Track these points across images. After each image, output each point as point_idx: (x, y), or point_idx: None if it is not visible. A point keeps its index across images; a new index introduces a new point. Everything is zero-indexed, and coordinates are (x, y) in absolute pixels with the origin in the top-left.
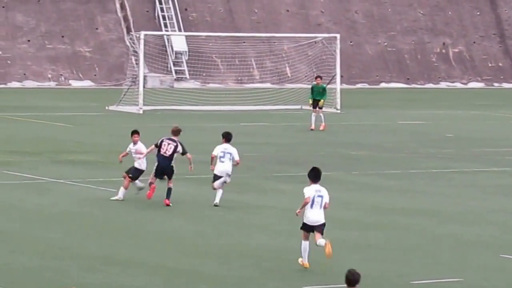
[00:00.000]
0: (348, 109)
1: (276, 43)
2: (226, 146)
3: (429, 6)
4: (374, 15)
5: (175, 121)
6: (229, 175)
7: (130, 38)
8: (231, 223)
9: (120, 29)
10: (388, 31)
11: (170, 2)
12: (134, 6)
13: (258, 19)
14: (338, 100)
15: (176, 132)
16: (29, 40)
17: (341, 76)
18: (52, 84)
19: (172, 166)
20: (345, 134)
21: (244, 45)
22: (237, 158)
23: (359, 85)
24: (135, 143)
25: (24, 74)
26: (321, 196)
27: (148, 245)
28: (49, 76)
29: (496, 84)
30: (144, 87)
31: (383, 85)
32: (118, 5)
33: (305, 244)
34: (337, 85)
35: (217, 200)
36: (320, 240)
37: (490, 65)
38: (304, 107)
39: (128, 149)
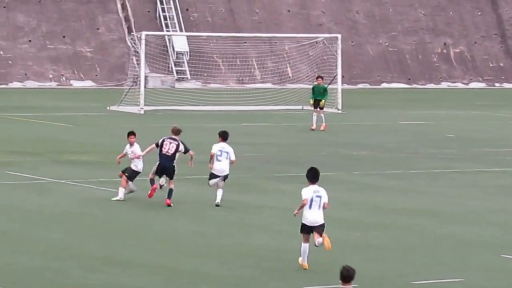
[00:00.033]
0: (349, 109)
1: (277, 43)
2: (223, 145)
3: (430, 6)
4: (375, 15)
5: (176, 122)
6: (224, 179)
7: (131, 38)
8: (232, 223)
9: (121, 29)
10: (389, 31)
11: (171, 2)
12: (135, 6)
13: (259, 19)
14: (339, 100)
15: (177, 131)
16: (30, 40)
17: (342, 76)
18: (53, 84)
19: (174, 166)
20: (346, 134)
21: (245, 45)
22: (233, 157)
23: (360, 85)
24: (131, 144)
25: (25, 74)
26: (320, 197)
27: (149, 245)
28: (50, 76)
29: (497, 84)
30: (145, 87)
31: (384, 85)
32: (119, 5)
33: (304, 247)
34: (338, 85)
35: (218, 200)
36: (319, 239)
37: (491, 65)
38: (305, 107)
39: (125, 151)
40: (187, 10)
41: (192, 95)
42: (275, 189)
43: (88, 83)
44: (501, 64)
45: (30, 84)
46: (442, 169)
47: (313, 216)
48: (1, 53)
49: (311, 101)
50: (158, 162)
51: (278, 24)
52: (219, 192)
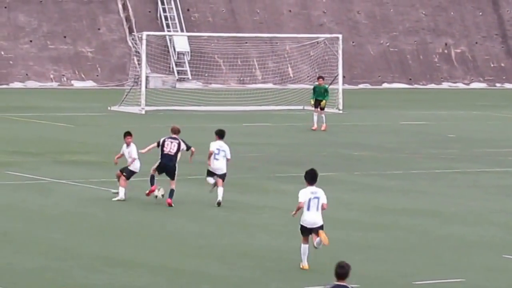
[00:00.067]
0: (350, 110)
1: (278, 44)
2: (221, 144)
3: (431, 7)
4: (376, 16)
5: (177, 122)
6: (223, 177)
7: (132, 39)
8: (233, 223)
9: (122, 30)
10: (390, 31)
11: (172, 2)
12: (136, 7)
13: (260, 20)
14: (340, 101)
15: (176, 131)
16: (31, 41)
17: (343, 77)
18: (54, 84)
19: (175, 166)
20: (347, 134)
21: (246, 45)
22: (229, 156)
23: (361, 86)
24: (128, 144)
25: (26, 74)
26: (318, 198)
27: (150, 245)
28: (51, 76)
29: (498, 85)
30: (146, 87)
31: (385, 85)
32: (120, 6)
33: (304, 248)
34: (339, 86)
35: (219, 198)
36: (317, 240)
37: (492, 65)
38: (306, 107)
39: (122, 151)
40: (188, 10)
41: (193, 95)
42: (276, 189)
43: (89, 83)
44: (502, 65)
45: (31, 84)
46: (443, 170)
47: (312, 217)
48: (2, 53)
49: (312, 101)
50: (159, 161)
51: (279, 24)
52: (220, 191)
